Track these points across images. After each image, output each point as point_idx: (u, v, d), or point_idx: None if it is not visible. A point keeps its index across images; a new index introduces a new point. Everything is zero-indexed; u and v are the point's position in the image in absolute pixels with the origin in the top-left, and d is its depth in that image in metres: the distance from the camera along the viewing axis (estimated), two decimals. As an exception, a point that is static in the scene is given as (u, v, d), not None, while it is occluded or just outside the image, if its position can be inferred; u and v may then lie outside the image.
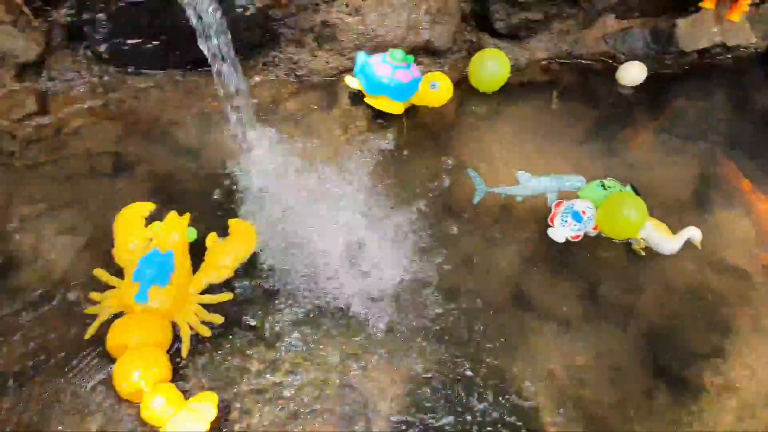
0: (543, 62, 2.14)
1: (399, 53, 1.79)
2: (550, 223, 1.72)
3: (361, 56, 1.87)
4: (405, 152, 1.85)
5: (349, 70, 1.97)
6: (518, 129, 2.00)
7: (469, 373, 1.44)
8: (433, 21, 1.95)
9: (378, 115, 1.92)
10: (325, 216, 1.66)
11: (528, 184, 1.78)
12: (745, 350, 1.53)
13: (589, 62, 2.19)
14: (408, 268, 1.59)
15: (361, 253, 1.61)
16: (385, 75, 1.79)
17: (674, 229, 1.69)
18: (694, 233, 1.69)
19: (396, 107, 1.84)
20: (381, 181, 1.78)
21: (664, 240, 1.67)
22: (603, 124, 2.06)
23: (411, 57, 1.83)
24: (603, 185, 1.75)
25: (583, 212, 1.68)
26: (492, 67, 1.94)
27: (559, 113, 2.07)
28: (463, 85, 2.05)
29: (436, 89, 1.75)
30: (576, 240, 1.69)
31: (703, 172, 1.91)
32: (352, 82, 1.88)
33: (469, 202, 1.77)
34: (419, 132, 1.94)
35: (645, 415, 1.42)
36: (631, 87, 2.11)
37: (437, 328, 1.49)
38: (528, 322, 1.55)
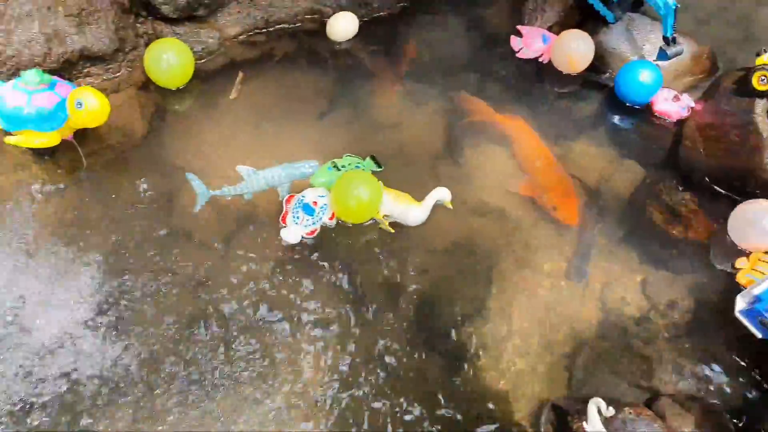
0: (240, 38, 1.84)
1: (33, 75, 1.37)
2: (282, 223, 1.44)
3: (-6, 86, 1.45)
4: (88, 184, 1.47)
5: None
6: (237, 118, 1.68)
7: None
8: (79, 24, 1.54)
9: (37, 151, 1.48)
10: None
11: (253, 180, 1.48)
12: (505, 301, 1.39)
13: (295, 25, 1.92)
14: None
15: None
16: (21, 104, 1.36)
17: (427, 190, 1.49)
18: (442, 194, 1.49)
19: (48, 139, 1.42)
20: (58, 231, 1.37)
21: (409, 210, 1.47)
22: (337, 90, 1.82)
23: (49, 77, 1.41)
24: (335, 165, 1.50)
25: (314, 203, 1.43)
26: (168, 59, 1.59)
27: (285, 89, 1.79)
28: (151, 86, 1.71)
29: (81, 108, 1.35)
30: (312, 236, 1.43)
31: (451, 116, 1.75)
32: (-11, 120, 1.45)
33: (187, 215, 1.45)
34: (106, 155, 1.54)
35: (420, 394, 1.24)
36: (348, 41, 1.89)
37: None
38: (284, 336, 1.29)
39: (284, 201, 1.45)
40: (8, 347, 1.23)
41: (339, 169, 1.49)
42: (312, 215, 1.42)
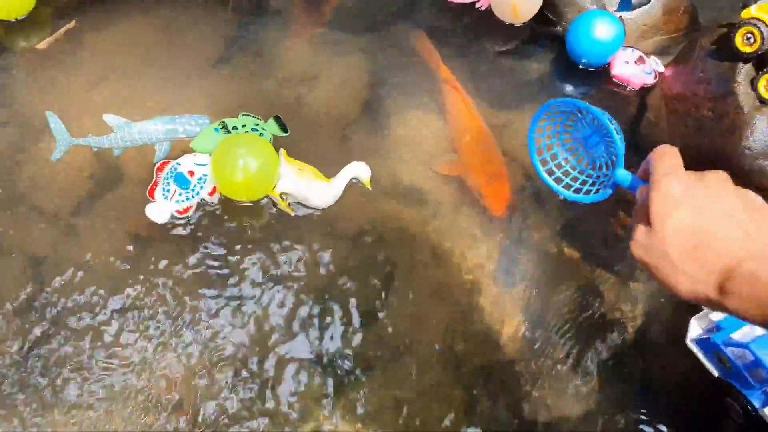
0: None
1: None
2: (149, 197, 1.12)
3: None
4: None
5: None
6: (106, 59, 1.35)
7: None
8: None
9: None
10: None
11: (125, 132, 1.15)
12: (410, 305, 1.08)
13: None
14: None
15: None
16: None
17: (339, 163, 1.17)
18: (359, 170, 1.19)
19: None
20: None
21: (316, 189, 1.15)
22: (238, 32, 1.48)
23: None
24: (225, 127, 1.15)
25: (190, 173, 1.11)
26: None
27: (173, 27, 1.45)
28: (-13, 17, 1.37)
29: None
30: (185, 215, 1.12)
31: (376, 73, 1.41)
32: None
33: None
34: None
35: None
36: (250, -26, 1.55)
37: None
38: (131, 333, 0.99)
39: (155, 168, 1.13)
40: None
41: (229, 131, 1.15)
42: (186, 188, 1.10)
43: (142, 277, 1.07)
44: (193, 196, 1.11)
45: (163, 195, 1.11)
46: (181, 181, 1.11)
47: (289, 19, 1.53)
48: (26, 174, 1.19)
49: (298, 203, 1.17)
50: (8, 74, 1.32)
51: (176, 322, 1.04)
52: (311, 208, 1.17)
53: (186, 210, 1.11)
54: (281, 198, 1.14)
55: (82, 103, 1.29)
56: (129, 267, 1.08)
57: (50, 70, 1.32)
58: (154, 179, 1.13)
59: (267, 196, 1.15)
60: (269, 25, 1.49)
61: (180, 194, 1.10)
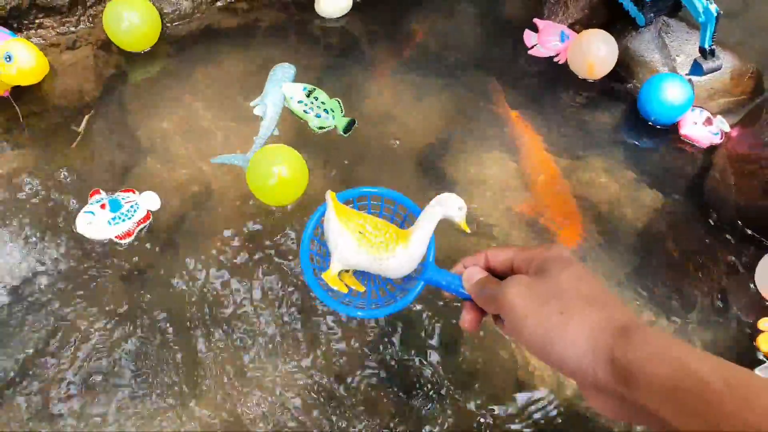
0: (218, 3, 1.63)
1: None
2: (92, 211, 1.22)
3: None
4: (27, 149, 1.27)
5: None
6: (205, 94, 1.47)
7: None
8: (31, -36, 1.38)
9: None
10: None
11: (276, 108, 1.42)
12: (479, 338, 1.16)
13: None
14: None
15: None
16: None
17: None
18: (449, 207, 0.83)
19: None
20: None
21: (387, 261, 0.93)
22: (326, 72, 1.62)
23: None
24: (311, 92, 1.43)
25: (128, 202, 1.22)
26: (129, 19, 1.38)
27: (268, 66, 1.61)
28: (113, 47, 1.51)
29: (11, 62, 1.16)
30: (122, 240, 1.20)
31: (450, 114, 1.52)
32: None
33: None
34: (49, 118, 1.34)
35: None
36: (342, 17, 1.68)
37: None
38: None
39: (90, 194, 1.24)
40: None
41: (308, 96, 1.42)
42: (115, 211, 1.21)
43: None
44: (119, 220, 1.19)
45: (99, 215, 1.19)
46: (114, 205, 1.20)
47: (373, 61, 1.66)
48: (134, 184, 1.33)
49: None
50: (125, 99, 1.47)
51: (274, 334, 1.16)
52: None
53: (127, 236, 1.20)
54: (337, 279, 0.64)
55: (190, 122, 1.44)
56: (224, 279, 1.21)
57: (157, 97, 1.46)
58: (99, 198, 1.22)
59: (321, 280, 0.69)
60: (354, 66, 1.62)
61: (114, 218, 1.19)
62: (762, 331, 1.14)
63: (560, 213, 1.35)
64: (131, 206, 1.20)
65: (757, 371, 1.04)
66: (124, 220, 1.18)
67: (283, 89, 1.42)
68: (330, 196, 0.60)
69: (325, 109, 1.41)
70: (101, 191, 1.24)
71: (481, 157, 1.47)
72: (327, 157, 1.39)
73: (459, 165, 1.44)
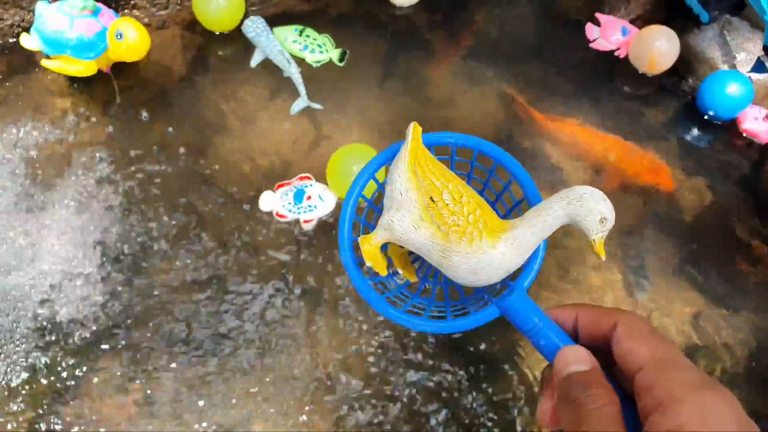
0: (297, -12, 1.74)
1: (78, -1, 1.31)
2: (274, 189, 1.32)
3: (39, 6, 1.38)
4: (118, 122, 1.38)
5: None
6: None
7: None
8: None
9: (72, 79, 1.41)
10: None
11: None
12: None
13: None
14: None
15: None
16: (63, 28, 1.30)
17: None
18: (589, 212, 0.46)
19: (85, 68, 1.34)
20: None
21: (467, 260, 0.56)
22: (390, 58, 1.71)
23: (94, 3, 1.32)
24: (302, 32, 1.54)
25: (308, 197, 1.29)
26: (217, 1, 1.48)
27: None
28: (198, 27, 1.60)
29: (121, 39, 1.27)
30: (281, 219, 1.29)
31: (507, 101, 1.60)
32: (29, 41, 1.37)
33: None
34: (141, 93, 1.44)
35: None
36: (410, 6, 1.73)
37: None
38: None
39: (298, 176, 1.33)
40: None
41: (301, 35, 1.53)
42: (297, 204, 1.29)
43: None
44: (296, 213, 1.27)
45: (283, 194, 1.29)
46: (298, 196, 1.28)
47: (434, 49, 1.74)
48: (215, 164, 1.43)
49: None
50: (202, 78, 1.57)
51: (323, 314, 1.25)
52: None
53: (282, 216, 1.28)
54: (377, 253, 0.45)
55: (261, 110, 1.53)
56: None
57: (232, 83, 1.55)
58: (290, 181, 1.32)
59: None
60: (417, 54, 1.69)
61: (289, 203, 1.27)
62: (812, 319, 1.21)
63: (644, 166, 1.46)
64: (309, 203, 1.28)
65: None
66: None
67: (276, 33, 1.52)
68: (414, 128, 0.42)
69: (318, 44, 1.53)
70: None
71: (538, 145, 1.54)
72: (387, 137, 1.48)
73: (516, 151, 1.52)
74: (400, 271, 0.46)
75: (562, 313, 0.38)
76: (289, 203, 1.28)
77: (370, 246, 0.42)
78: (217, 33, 1.58)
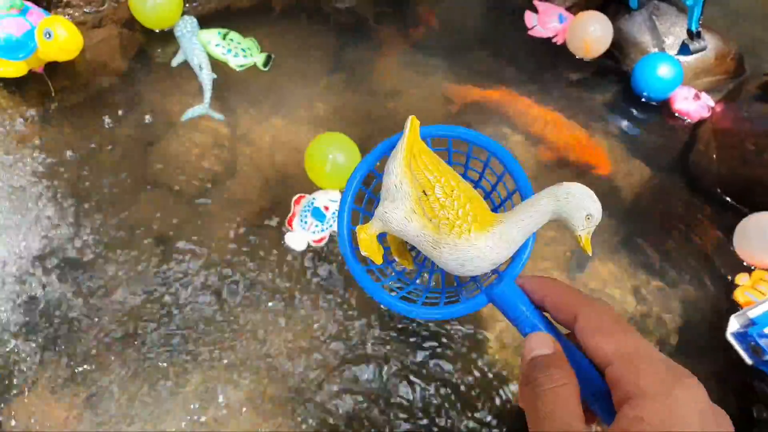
0: (237, -17, 1.72)
1: (3, -2, 1.26)
2: (288, 226, 1.27)
3: (-36, 6, 1.34)
4: (55, 122, 1.35)
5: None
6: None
7: None
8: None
9: (3, 81, 1.37)
10: None
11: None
12: None
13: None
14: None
15: None
16: None
17: None
18: (574, 207, 0.42)
19: (14, 69, 1.31)
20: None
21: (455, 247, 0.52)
22: (335, 52, 1.72)
23: (22, 2, 1.29)
24: (226, 35, 1.52)
25: (326, 207, 1.26)
26: (152, -3, 1.47)
27: (280, 46, 1.70)
28: (137, 25, 1.58)
29: (50, 38, 1.23)
30: (319, 244, 1.26)
31: (459, 93, 1.63)
32: (-46, 42, 1.35)
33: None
34: (79, 93, 1.42)
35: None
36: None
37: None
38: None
39: (293, 201, 1.29)
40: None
41: (224, 39, 1.51)
42: (322, 221, 1.24)
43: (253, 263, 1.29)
44: (327, 228, 1.24)
45: (301, 225, 1.24)
46: (318, 215, 1.24)
47: (381, 41, 1.75)
48: (157, 158, 1.40)
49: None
50: (142, 77, 1.55)
51: (285, 307, 1.26)
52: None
53: (321, 240, 1.24)
54: (373, 241, 0.46)
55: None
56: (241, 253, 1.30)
57: (173, 81, 1.53)
58: (291, 211, 1.27)
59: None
60: (364, 45, 1.71)
61: (316, 226, 1.23)
62: (738, 285, 1.27)
63: (582, 147, 1.51)
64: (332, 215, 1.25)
65: (733, 317, 1.17)
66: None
67: (200, 36, 1.51)
68: (411, 121, 0.44)
69: (242, 48, 1.52)
70: (305, 197, 1.28)
71: (493, 130, 1.57)
72: (338, 130, 1.49)
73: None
74: (397, 259, 0.48)
75: (528, 283, 0.40)
76: (316, 226, 1.24)
77: (366, 235, 0.43)
78: (157, 31, 1.56)
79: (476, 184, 0.48)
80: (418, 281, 0.48)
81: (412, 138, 0.43)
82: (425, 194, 0.41)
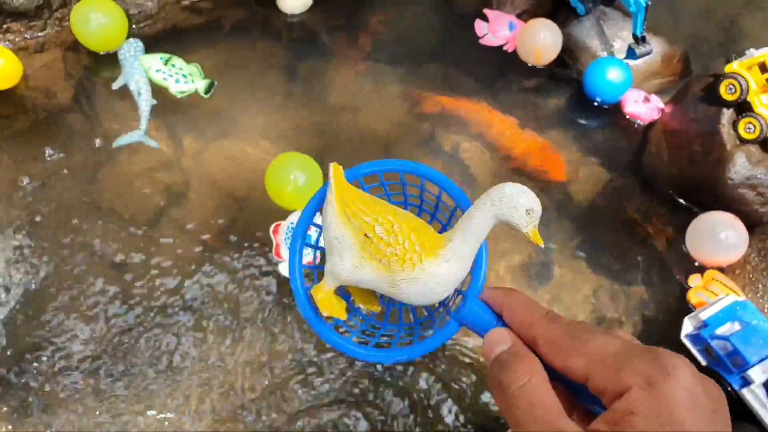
0: (183, 2, 1.66)
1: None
2: (276, 257, 1.25)
3: None
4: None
5: None
6: None
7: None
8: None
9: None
10: None
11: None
12: None
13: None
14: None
15: None
16: None
17: None
18: (513, 206, 0.48)
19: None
20: None
21: (405, 281, 0.47)
22: (290, 67, 1.71)
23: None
24: (169, 60, 1.49)
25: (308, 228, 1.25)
26: (97, 20, 1.42)
27: (231, 63, 1.68)
28: (81, 48, 1.53)
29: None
30: (311, 265, 1.21)
31: (412, 103, 1.63)
32: None
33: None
34: (22, 120, 1.39)
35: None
36: (303, 13, 1.74)
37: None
38: None
39: (271, 231, 1.27)
40: None
41: (166, 63, 1.48)
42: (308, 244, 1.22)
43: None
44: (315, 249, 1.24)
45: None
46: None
47: (334, 53, 1.74)
48: (107, 184, 1.38)
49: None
50: (88, 101, 1.51)
51: (245, 323, 1.25)
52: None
53: (311, 262, 1.24)
54: (331, 298, 0.45)
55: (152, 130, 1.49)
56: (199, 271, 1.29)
57: (121, 106, 1.49)
58: (274, 242, 1.25)
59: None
60: (317, 58, 1.70)
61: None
62: (691, 287, 1.30)
63: (541, 156, 1.53)
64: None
65: (686, 319, 1.19)
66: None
67: (142, 61, 1.49)
68: (333, 169, 0.43)
69: (183, 75, 1.50)
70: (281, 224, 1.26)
71: (445, 141, 1.58)
72: (297, 147, 1.48)
73: (427, 146, 1.55)
74: (362, 306, 0.46)
75: (489, 296, 0.40)
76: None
77: (323, 295, 0.42)
78: (102, 53, 1.53)
79: (420, 209, 0.48)
80: (389, 321, 0.47)
81: (338, 185, 0.42)
82: (367, 237, 0.40)
